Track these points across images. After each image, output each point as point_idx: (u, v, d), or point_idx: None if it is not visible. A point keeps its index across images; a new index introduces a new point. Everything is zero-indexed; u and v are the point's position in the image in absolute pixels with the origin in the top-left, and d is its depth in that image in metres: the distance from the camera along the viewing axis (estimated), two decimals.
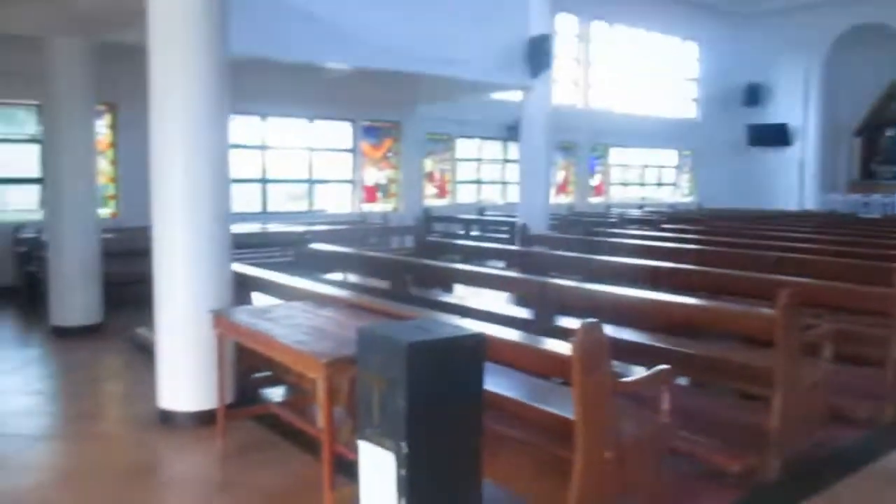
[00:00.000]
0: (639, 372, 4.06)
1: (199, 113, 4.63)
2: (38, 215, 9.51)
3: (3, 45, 8.59)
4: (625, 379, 2.95)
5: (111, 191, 11.06)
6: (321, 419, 3.57)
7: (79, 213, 7.50)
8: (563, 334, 4.64)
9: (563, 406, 3.17)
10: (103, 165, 10.86)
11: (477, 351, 2.63)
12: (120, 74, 8.38)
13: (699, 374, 4.57)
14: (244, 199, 12.46)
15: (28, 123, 10.32)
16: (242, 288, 5.72)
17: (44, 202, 7.67)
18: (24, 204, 10.35)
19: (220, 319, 4.09)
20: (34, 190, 10.18)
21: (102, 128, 10.85)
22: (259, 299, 5.75)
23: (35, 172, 9.95)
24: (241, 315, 4.04)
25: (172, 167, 4.65)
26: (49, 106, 7.48)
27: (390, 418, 2.50)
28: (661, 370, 3.05)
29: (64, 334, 7.45)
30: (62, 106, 7.35)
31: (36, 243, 8.72)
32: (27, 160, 10.12)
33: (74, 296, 7.54)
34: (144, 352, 6.22)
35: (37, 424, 4.90)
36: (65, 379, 6.17)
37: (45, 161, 7.58)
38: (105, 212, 10.81)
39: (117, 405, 5.36)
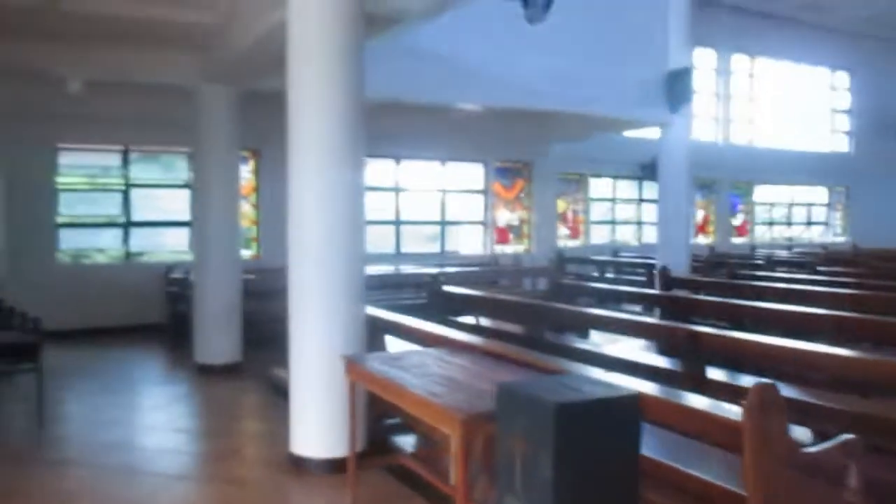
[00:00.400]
0: (800, 433, 3.58)
1: (334, 157, 4.64)
2: (188, 256, 10.03)
3: (160, 94, 9.21)
4: (807, 450, 2.55)
5: (254, 233, 11.53)
6: (454, 475, 3.36)
7: (222, 255, 7.80)
8: (715, 388, 4.23)
9: (718, 472, 2.81)
10: (246, 209, 11.36)
11: (632, 412, 2.35)
12: (263, 121, 8.70)
13: (877, 439, 4.00)
14: (379, 240, 12.66)
15: (182, 169, 10.99)
16: (375, 331, 5.67)
17: (192, 244, 8.07)
18: (176, 245, 10.96)
19: (352, 366, 3.99)
20: (185, 233, 10.76)
21: (246, 173, 11.38)
22: (392, 343, 5.67)
23: (187, 215, 10.54)
24: (373, 362, 3.92)
25: (308, 210, 4.68)
26: (198, 152, 7.86)
27: (535, 486, 2.25)
28: (850, 440, 2.62)
29: (207, 372, 7.71)
30: (209, 152, 7.72)
31: (185, 283, 9.15)
32: (181, 204, 10.73)
33: (217, 335, 7.80)
34: (280, 392, 6.27)
35: (177, 463, 4.99)
36: (205, 418, 6.32)
37: (194, 205, 7.95)
38: (247, 253, 11.27)
39: (252, 447, 5.40)
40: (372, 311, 5.76)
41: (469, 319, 7.75)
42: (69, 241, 10.49)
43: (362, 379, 3.91)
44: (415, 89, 9.77)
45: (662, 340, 6.09)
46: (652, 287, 9.59)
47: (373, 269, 10.89)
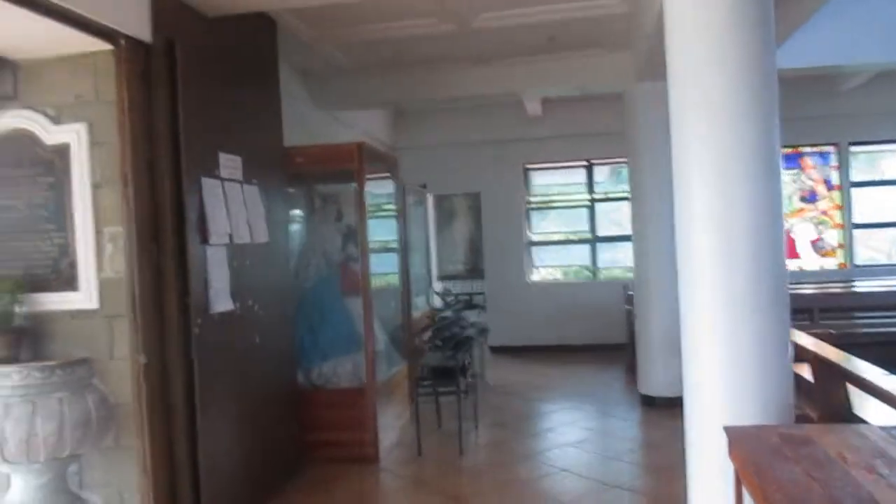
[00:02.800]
0: None
1: (725, 149, 3.41)
2: None
3: (615, 104, 8.76)
4: None
5: None
6: None
7: (663, 274, 6.84)
8: None
9: None
10: None
11: None
12: None
13: None
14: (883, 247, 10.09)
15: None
16: (834, 380, 4.13)
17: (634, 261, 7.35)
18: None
19: (735, 444, 2.75)
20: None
21: None
22: (859, 398, 4.06)
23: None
24: (760, 440, 2.61)
25: (694, 219, 3.53)
26: (633, 159, 7.10)
27: None
28: None
29: (649, 405, 6.88)
30: (643, 158, 6.89)
31: None
32: None
33: (659, 363, 6.89)
34: None
35: None
36: (622, 464, 5.47)
37: (633, 219, 7.20)
38: None
39: None
40: (825, 350, 4.24)
41: None
42: (539, 258, 10.76)
43: (745, 469, 2.64)
44: None
45: None
46: None
47: (878, 285, 8.60)
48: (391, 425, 6.09)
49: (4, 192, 3.97)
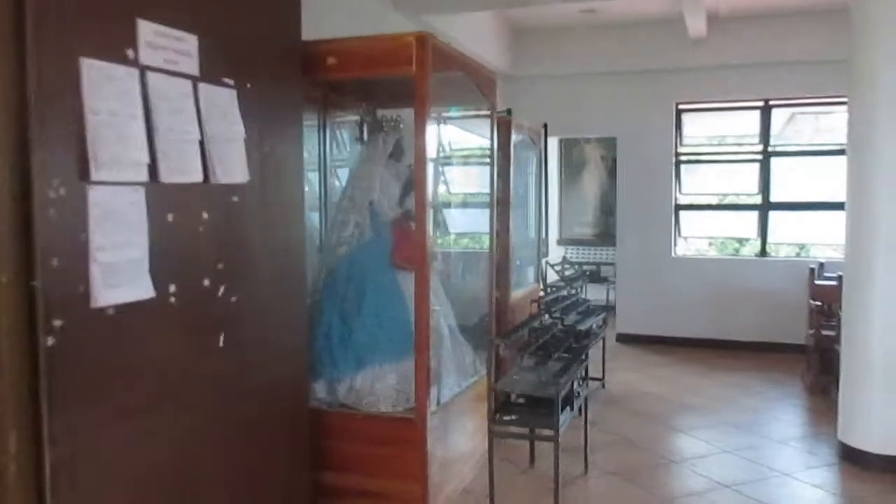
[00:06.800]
0: None
1: None
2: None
3: (807, 24, 6.24)
4: None
5: None
6: None
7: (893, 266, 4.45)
8: None
9: None
10: None
11: None
12: None
13: None
14: None
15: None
16: None
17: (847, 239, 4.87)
18: (832, 238, 7.67)
19: None
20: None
21: None
22: None
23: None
24: None
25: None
26: (856, 93, 4.61)
27: None
28: None
29: (854, 462, 4.53)
30: (875, 91, 4.41)
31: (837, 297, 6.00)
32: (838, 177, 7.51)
33: (873, 402, 4.52)
34: None
35: None
36: None
37: (849, 181, 4.77)
38: None
39: None
40: None
41: None
42: (690, 226, 8.38)
43: None
44: None
45: None
46: None
47: None
48: (459, 462, 4.15)
49: None
